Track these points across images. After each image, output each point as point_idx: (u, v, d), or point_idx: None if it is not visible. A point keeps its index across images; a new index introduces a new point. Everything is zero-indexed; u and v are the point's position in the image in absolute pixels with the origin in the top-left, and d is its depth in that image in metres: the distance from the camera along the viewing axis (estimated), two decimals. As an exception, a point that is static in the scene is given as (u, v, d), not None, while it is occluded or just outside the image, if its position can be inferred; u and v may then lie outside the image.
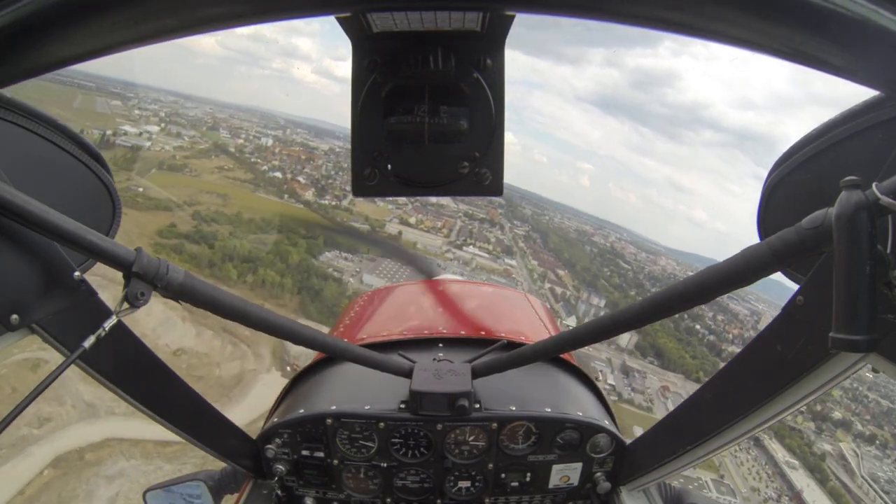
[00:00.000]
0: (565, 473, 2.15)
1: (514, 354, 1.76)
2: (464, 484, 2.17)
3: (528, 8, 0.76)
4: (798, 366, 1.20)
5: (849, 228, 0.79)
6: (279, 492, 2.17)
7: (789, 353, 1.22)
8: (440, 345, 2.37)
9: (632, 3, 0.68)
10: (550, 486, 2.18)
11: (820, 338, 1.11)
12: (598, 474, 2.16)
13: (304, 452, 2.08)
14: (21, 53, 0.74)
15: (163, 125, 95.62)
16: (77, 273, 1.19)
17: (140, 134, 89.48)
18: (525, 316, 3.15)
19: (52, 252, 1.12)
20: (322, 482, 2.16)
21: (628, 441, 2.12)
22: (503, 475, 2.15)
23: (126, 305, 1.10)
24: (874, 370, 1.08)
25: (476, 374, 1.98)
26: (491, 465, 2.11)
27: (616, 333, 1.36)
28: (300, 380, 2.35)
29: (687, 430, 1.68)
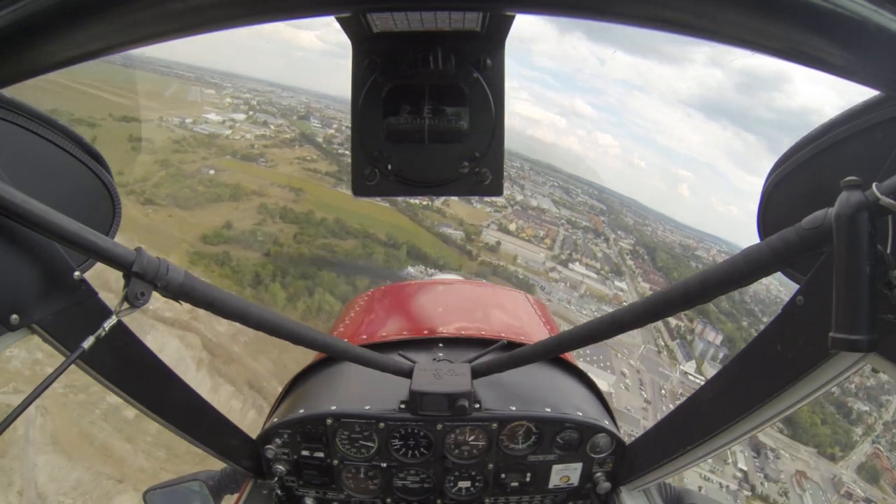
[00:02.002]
0: (565, 473, 2.15)
1: (514, 354, 1.76)
2: (464, 484, 2.17)
3: (528, 8, 0.75)
4: (798, 366, 1.20)
5: (849, 228, 0.79)
6: (279, 492, 2.17)
7: (789, 353, 1.22)
8: (440, 345, 2.37)
9: (632, 2, 0.68)
10: (550, 486, 2.18)
11: (820, 338, 1.10)
12: (598, 474, 2.15)
13: (304, 452, 2.08)
14: (21, 53, 0.74)
15: (250, 113, 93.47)
16: (77, 273, 1.19)
17: (223, 122, 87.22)
18: (525, 316, 3.15)
19: (52, 252, 1.12)
20: (322, 482, 2.16)
21: (628, 441, 2.12)
22: (503, 475, 2.15)
23: (126, 305, 1.10)
24: (874, 370, 1.08)
25: (476, 374, 1.98)
26: (491, 465, 2.11)
27: (616, 333, 1.36)
28: (300, 380, 2.35)
29: (687, 430, 1.68)
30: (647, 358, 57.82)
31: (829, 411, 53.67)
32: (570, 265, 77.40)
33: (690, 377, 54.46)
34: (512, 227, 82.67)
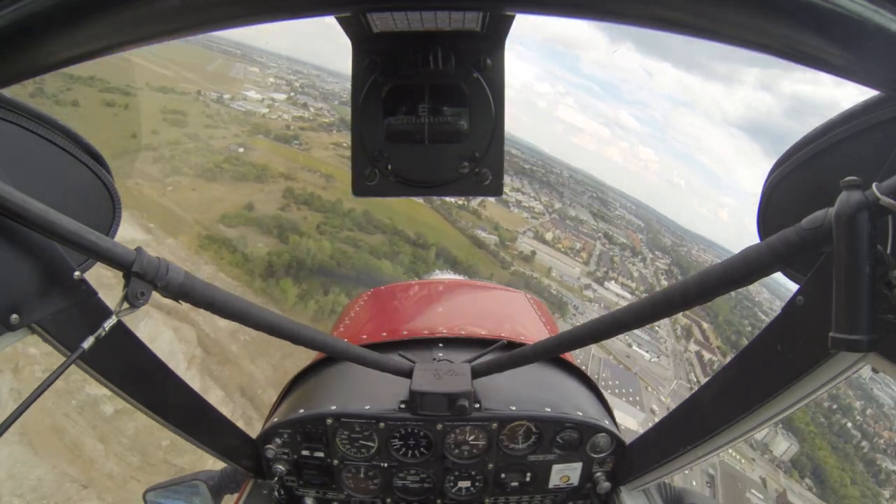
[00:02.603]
0: (565, 473, 2.16)
1: (513, 354, 1.76)
2: (464, 484, 2.17)
3: (528, 8, 0.75)
4: (798, 366, 1.20)
5: (849, 228, 0.79)
6: (279, 492, 2.17)
7: (789, 353, 1.22)
8: (440, 345, 2.37)
9: (632, 2, 0.68)
10: (550, 485, 2.18)
11: (820, 338, 1.10)
12: (598, 474, 2.16)
13: (304, 452, 2.08)
14: (21, 53, 0.74)
15: (291, 94, 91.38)
16: (77, 273, 1.19)
17: (262, 100, 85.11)
18: (525, 316, 3.15)
19: (52, 252, 1.12)
20: (322, 482, 2.16)
21: (628, 441, 2.12)
22: (503, 475, 2.15)
23: (126, 305, 1.10)
24: (874, 370, 1.08)
25: (476, 374, 1.98)
26: (491, 465, 2.11)
27: (616, 333, 1.35)
28: (300, 380, 2.35)
29: (687, 430, 1.68)
30: (677, 394, 55.70)
31: (859, 469, 52.53)
32: (606, 283, 74.24)
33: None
34: (548, 236, 78.93)
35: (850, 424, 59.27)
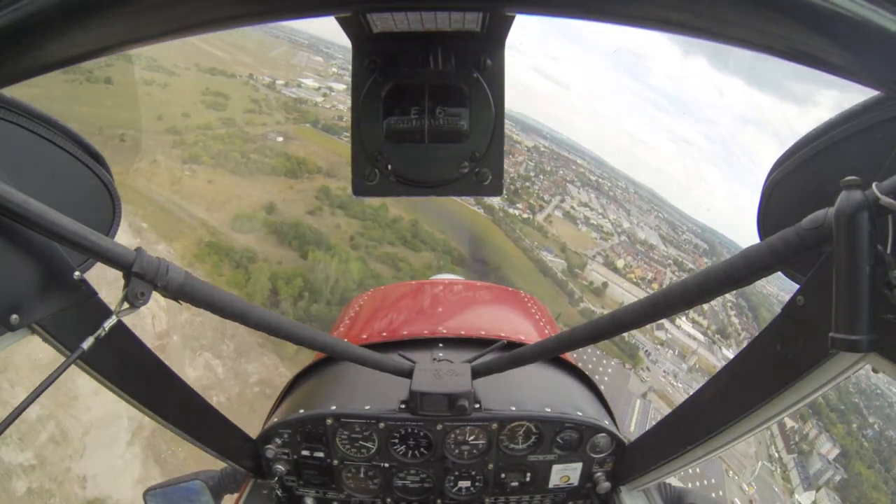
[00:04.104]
0: (565, 473, 2.16)
1: (513, 354, 1.76)
2: (464, 484, 2.17)
3: (528, 8, 0.75)
4: (798, 366, 1.20)
5: (849, 228, 0.79)
6: (279, 492, 2.18)
7: (789, 353, 1.22)
8: (440, 345, 2.37)
9: (632, 2, 0.68)
10: (550, 486, 2.18)
11: (820, 338, 1.10)
12: (598, 474, 2.16)
13: (304, 452, 2.08)
14: (21, 53, 0.74)
15: None
16: (77, 273, 1.19)
17: (318, 88, 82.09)
18: (525, 316, 3.15)
19: (52, 252, 1.12)
20: (322, 482, 2.16)
21: (628, 441, 2.12)
22: (503, 475, 2.15)
23: (126, 305, 1.10)
24: (874, 370, 1.08)
25: (476, 374, 1.98)
26: (491, 465, 2.11)
27: (616, 333, 1.35)
28: (300, 380, 2.35)
29: (687, 430, 1.68)
30: (761, 479, 50.03)
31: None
32: (678, 322, 66.75)
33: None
34: (620, 263, 70.73)
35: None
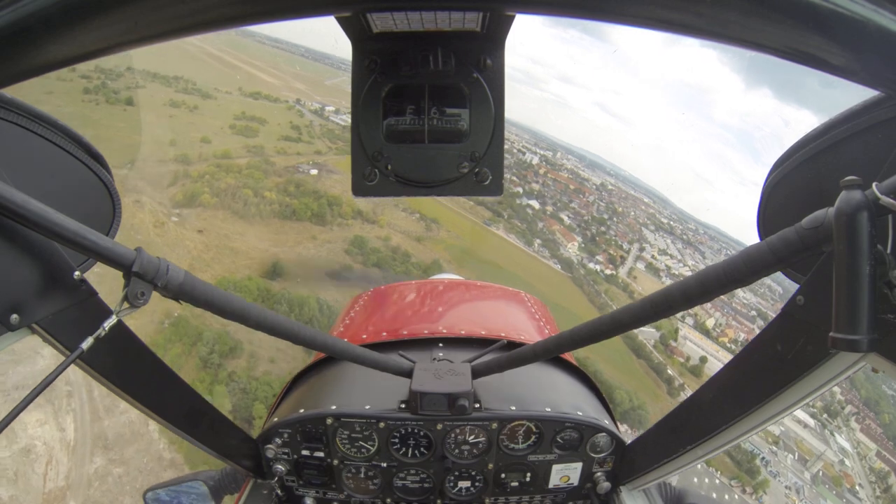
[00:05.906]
0: (565, 473, 2.16)
1: (513, 354, 1.76)
2: (464, 484, 2.17)
3: (528, 8, 0.75)
4: (798, 366, 1.20)
5: (849, 228, 0.79)
6: (279, 492, 2.17)
7: (789, 352, 1.22)
8: (440, 344, 2.38)
9: (632, 3, 0.68)
10: (550, 485, 2.18)
11: (820, 338, 1.11)
12: (598, 474, 2.16)
13: (304, 452, 2.08)
14: (21, 53, 0.74)
15: None
16: (77, 273, 1.19)
17: None
18: (525, 316, 3.15)
19: (52, 252, 1.12)
20: (322, 482, 2.16)
21: (628, 441, 2.12)
22: (503, 475, 2.15)
23: (126, 305, 1.10)
24: (874, 370, 1.08)
25: (476, 373, 1.98)
26: (491, 465, 2.11)
27: (616, 333, 1.35)
28: (300, 379, 2.35)
29: (687, 430, 1.68)
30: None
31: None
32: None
33: None
34: (710, 322, 56.59)
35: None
